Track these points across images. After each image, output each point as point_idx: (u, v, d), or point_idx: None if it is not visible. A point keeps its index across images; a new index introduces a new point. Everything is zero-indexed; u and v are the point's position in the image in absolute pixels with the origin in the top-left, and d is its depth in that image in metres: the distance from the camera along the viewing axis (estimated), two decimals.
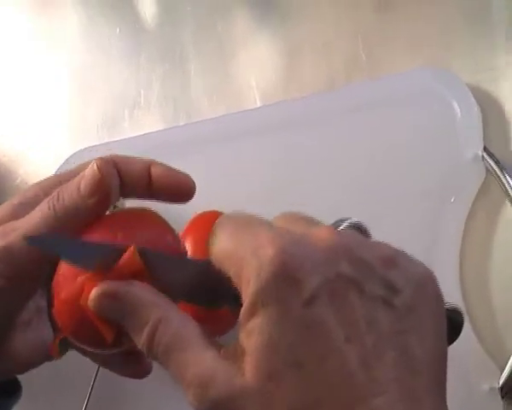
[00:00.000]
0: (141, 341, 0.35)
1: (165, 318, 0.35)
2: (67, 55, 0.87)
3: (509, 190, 0.60)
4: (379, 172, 0.66)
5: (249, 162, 0.71)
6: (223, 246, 0.34)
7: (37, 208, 0.42)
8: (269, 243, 0.31)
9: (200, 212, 0.65)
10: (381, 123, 0.67)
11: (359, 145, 0.67)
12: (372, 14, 0.72)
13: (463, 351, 0.58)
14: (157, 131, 0.77)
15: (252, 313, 0.31)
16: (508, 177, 0.61)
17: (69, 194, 0.41)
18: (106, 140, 0.80)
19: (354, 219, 0.37)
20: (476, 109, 0.63)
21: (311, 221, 0.36)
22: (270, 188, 0.70)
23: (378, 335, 0.30)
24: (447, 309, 0.34)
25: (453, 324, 0.35)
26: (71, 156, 0.77)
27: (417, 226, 0.63)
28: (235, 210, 0.37)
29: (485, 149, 0.62)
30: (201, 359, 0.33)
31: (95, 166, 0.41)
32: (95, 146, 0.78)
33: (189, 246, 0.61)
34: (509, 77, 0.65)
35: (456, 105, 0.64)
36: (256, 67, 0.76)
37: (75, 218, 0.41)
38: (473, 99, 0.64)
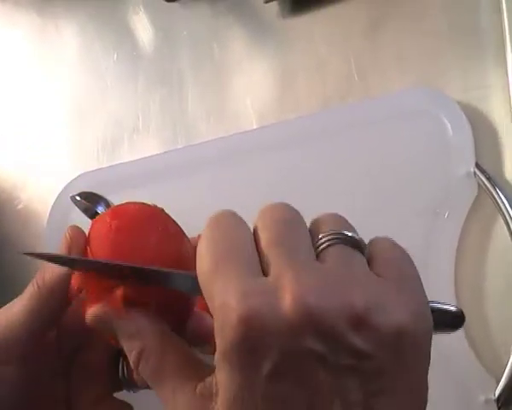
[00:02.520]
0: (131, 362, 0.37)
1: (147, 350, 0.37)
2: (66, 82, 0.88)
3: (502, 205, 0.61)
4: (373, 190, 0.66)
5: (248, 183, 0.72)
6: (203, 272, 0.33)
7: (26, 290, 0.44)
8: (235, 304, 0.29)
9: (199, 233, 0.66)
10: (374, 142, 0.68)
11: (353, 164, 0.68)
12: (363, 36, 0.73)
13: (459, 363, 0.59)
14: (156, 155, 0.78)
15: (220, 366, 0.31)
16: (500, 192, 0.61)
17: (48, 268, 0.44)
18: (106, 164, 0.81)
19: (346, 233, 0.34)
20: (467, 127, 0.64)
21: (294, 239, 0.33)
22: None
23: (345, 406, 0.30)
24: (441, 311, 0.36)
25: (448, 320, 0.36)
26: (73, 180, 0.78)
27: (411, 242, 0.62)
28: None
29: (477, 165, 0.63)
30: (177, 396, 0.34)
31: (66, 234, 0.44)
32: (96, 170, 0.79)
33: None
34: (499, 94, 0.66)
35: (447, 123, 0.65)
36: (252, 90, 0.78)
37: (57, 286, 0.43)
38: (464, 117, 0.64)
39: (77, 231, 0.45)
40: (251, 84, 0.78)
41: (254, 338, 0.29)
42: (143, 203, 0.45)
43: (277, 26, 0.78)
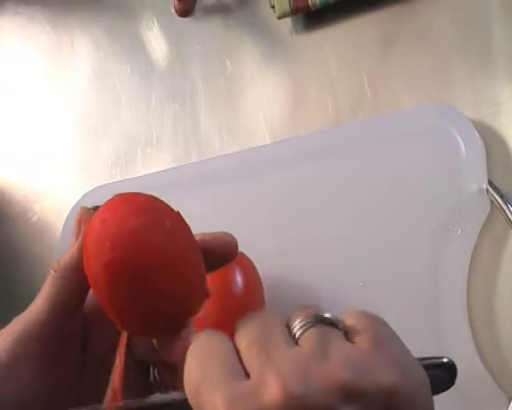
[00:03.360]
0: None
1: None
2: (80, 96, 0.89)
3: None
4: (385, 206, 0.67)
5: (260, 198, 0.72)
6: (190, 386, 0.33)
7: (46, 280, 0.44)
8: None
9: None
10: (386, 159, 0.68)
11: (365, 180, 0.68)
12: (375, 53, 0.73)
13: (471, 380, 0.59)
14: (169, 169, 0.79)
15: None
16: None
17: (67, 250, 0.44)
18: (119, 178, 0.82)
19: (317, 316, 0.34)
20: (480, 144, 0.64)
21: (270, 345, 0.33)
22: (278, 222, 0.71)
23: None
24: (435, 365, 0.35)
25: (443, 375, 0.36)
26: (87, 193, 0.79)
27: (424, 259, 0.64)
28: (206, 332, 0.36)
29: (489, 182, 0.63)
30: None
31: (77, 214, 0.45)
32: (110, 184, 0.80)
33: None
34: (511, 111, 0.66)
35: (460, 140, 0.65)
36: (264, 105, 0.78)
37: (72, 265, 0.43)
38: (476, 134, 0.65)
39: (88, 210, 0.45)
40: (263, 100, 0.78)
41: None
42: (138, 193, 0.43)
43: (290, 41, 0.79)
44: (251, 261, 0.66)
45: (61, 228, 0.79)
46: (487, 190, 0.63)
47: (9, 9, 0.97)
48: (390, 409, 0.30)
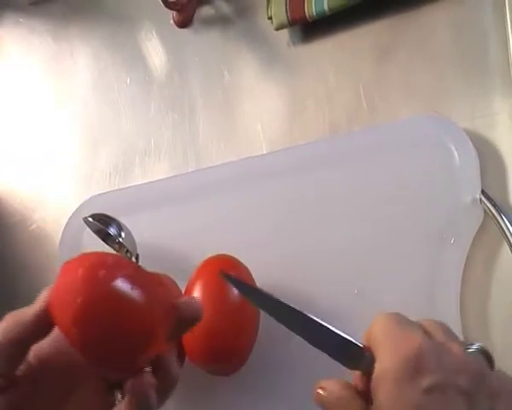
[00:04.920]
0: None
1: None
2: (80, 105, 0.90)
3: (507, 231, 0.61)
4: (380, 216, 0.67)
5: (257, 207, 0.73)
6: (379, 332, 0.45)
7: None
8: (419, 338, 0.43)
9: (210, 255, 0.67)
10: (381, 169, 0.68)
11: (361, 191, 0.69)
12: (372, 64, 0.74)
13: None
14: (167, 178, 0.79)
15: (378, 384, 0.42)
16: (505, 219, 0.62)
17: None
18: (118, 186, 0.82)
19: (482, 345, 0.47)
20: (474, 154, 0.65)
21: (449, 333, 0.46)
22: (275, 231, 0.71)
23: None
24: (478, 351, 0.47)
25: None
26: (85, 202, 0.79)
27: (418, 267, 0.64)
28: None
29: (482, 192, 0.63)
30: None
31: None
32: (108, 192, 0.80)
33: (199, 288, 0.63)
34: (505, 122, 0.66)
35: (454, 150, 0.66)
36: (262, 116, 0.79)
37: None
38: (470, 144, 0.65)
39: None
40: (261, 110, 0.79)
41: (425, 361, 0.41)
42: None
43: (287, 53, 0.79)
44: (247, 269, 0.67)
45: (59, 236, 0.80)
46: (481, 200, 0.63)
47: (10, 20, 0.98)
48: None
